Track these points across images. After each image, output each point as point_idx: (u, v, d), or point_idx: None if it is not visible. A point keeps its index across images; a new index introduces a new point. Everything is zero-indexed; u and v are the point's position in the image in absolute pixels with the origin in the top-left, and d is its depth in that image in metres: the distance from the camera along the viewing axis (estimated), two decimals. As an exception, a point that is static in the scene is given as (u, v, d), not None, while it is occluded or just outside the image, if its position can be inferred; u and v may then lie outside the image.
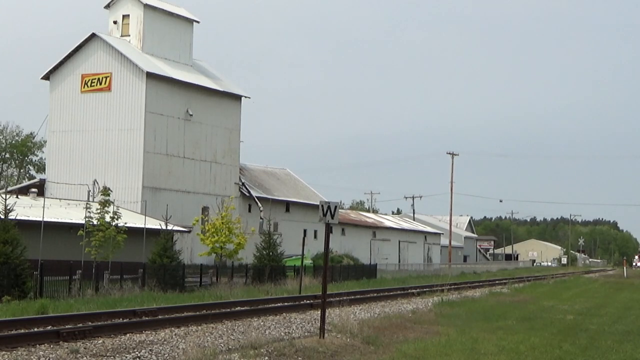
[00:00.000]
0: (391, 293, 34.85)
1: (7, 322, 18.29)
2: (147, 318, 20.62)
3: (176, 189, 55.97)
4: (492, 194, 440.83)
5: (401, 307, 27.96)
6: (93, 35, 55.75)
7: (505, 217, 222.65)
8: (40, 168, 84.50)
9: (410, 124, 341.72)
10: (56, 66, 56.55)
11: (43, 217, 35.79)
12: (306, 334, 19.07)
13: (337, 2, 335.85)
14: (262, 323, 20.99)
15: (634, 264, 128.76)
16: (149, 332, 18.35)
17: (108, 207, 36.25)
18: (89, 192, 43.13)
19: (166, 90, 55.66)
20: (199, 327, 19.30)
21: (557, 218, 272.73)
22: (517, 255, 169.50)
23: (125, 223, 37.42)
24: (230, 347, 16.35)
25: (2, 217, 30.87)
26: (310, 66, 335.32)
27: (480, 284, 49.68)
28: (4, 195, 32.17)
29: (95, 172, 52.82)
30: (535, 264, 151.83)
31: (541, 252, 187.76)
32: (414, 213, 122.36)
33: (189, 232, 50.66)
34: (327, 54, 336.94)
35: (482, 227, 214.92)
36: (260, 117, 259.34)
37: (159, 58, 57.62)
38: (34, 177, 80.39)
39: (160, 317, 20.83)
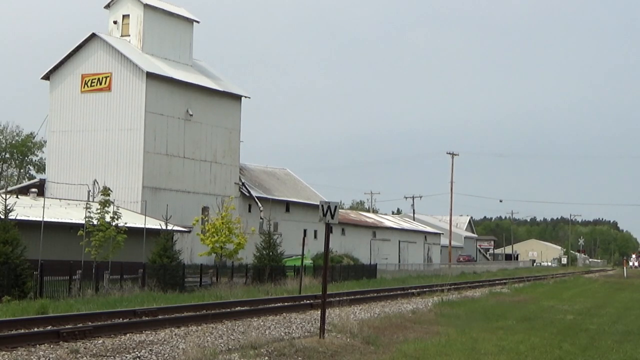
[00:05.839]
0: (391, 293, 34.82)
1: (7, 322, 18.28)
2: (147, 318, 20.61)
3: (176, 189, 55.97)
4: (492, 194, 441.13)
5: (401, 307, 27.95)
6: (93, 35, 55.76)
7: (505, 217, 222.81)
8: (40, 168, 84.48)
9: (410, 124, 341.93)
10: (56, 66, 56.55)
11: (43, 217, 35.77)
12: (306, 334, 19.06)
13: (337, 2, 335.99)
14: (262, 323, 20.98)
15: (630, 263, 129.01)
16: (149, 332, 18.34)
17: (108, 207, 36.24)
18: (89, 192, 43.10)
19: (166, 90, 55.67)
20: (199, 327, 19.29)
21: (557, 218, 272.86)
22: (517, 255, 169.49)
23: (125, 223, 37.41)
24: (230, 347, 16.34)
25: (2, 217, 30.87)
26: (310, 66, 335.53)
27: (480, 284, 49.67)
28: (4, 195, 32.17)
29: (95, 172, 52.81)
30: (535, 264, 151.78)
31: (541, 252, 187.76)
32: (414, 213, 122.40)
33: (189, 232, 50.65)
34: (328, 54, 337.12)
35: (482, 227, 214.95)
36: (260, 117, 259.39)
37: (159, 58, 57.62)
38: (34, 177, 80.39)
39: (160, 317, 20.82)
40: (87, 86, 55.44)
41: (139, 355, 15.03)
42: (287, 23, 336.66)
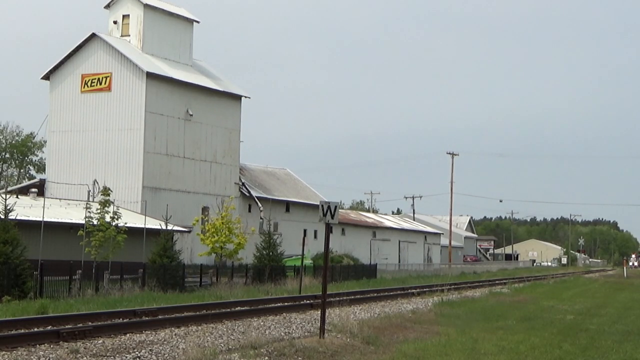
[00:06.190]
0: (391, 293, 34.82)
1: (7, 322, 18.28)
2: (147, 318, 20.62)
3: (176, 189, 55.96)
4: (492, 194, 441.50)
5: (401, 307, 27.95)
6: (93, 35, 55.77)
7: (505, 217, 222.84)
8: (40, 168, 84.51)
9: (410, 124, 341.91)
10: (56, 66, 56.56)
11: (43, 217, 35.77)
12: (306, 334, 19.06)
13: (337, 2, 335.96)
14: (262, 323, 20.98)
15: (630, 263, 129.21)
16: (149, 332, 18.34)
17: (108, 207, 36.24)
18: (89, 192, 43.12)
19: (166, 90, 55.67)
20: (199, 327, 19.29)
21: (557, 218, 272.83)
22: (517, 255, 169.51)
23: (125, 223, 37.40)
24: (230, 347, 16.34)
25: (2, 217, 30.87)
26: (310, 66, 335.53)
27: (480, 284, 49.68)
28: (4, 195, 32.16)
29: (95, 172, 52.82)
30: (535, 264, 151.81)
31: (541, 252, 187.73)
32: (414, 213, 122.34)
33: (189, 232, 50.65)
34: (327, 54, 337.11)
35: (482, 227, 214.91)
36: (260, 117, 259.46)
37: (159, 58, 57.62)
38: (34, 177, 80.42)
39: (160, 317, 20.82)
40: (87, 86, 55.45)
41: (139, 355, 15.03)
42: (287, 23, 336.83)
